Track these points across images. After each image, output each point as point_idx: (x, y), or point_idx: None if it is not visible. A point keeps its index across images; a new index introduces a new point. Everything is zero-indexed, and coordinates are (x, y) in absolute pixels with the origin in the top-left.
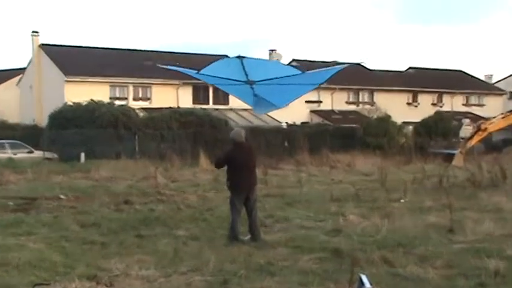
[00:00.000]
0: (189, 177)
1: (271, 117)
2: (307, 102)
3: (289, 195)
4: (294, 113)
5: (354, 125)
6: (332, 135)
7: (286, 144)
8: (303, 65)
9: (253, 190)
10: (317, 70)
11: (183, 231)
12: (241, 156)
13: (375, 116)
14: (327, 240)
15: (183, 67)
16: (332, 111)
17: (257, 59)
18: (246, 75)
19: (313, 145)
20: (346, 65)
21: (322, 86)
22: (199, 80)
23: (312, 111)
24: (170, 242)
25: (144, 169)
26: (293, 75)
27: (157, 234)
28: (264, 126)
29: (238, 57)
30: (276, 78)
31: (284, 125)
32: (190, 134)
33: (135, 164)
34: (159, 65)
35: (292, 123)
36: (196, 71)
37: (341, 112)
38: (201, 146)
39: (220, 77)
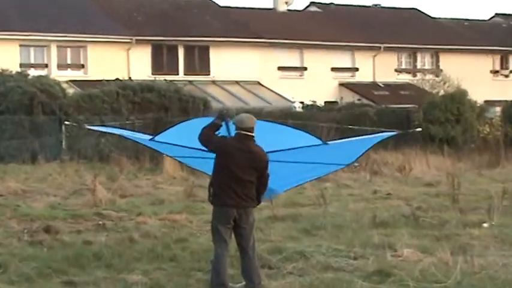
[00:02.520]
0: (148, 190)
1: (278, 94)
2: (334, 70)
3: (307, 217)
4: (314, 86)
5: (409, 106)
6: (374, 123)
7: None
8: (326, 11)
9: (247, 211)
10: (347, 140)
11: (138, 276)
12: (236, 158)
13: (442, 92)
14: None
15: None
16: (374, 84)
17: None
18: None
19: (344, 138)
20: (394, 133)
21: (357, 43)
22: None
23: (343, 85)
24: None
25: (76, 178)
26: (307, 146)
27: (98, 282)
28: (266, 109)
29: (221, 116)
30: (280, 151)
31: (297, 107)
32: (148, 121)
33: (62, 169)
34: (87, 126)
35: (310, 103)
36: (150, 137)
37: (388, 85)
38: None
39: (189, 147)
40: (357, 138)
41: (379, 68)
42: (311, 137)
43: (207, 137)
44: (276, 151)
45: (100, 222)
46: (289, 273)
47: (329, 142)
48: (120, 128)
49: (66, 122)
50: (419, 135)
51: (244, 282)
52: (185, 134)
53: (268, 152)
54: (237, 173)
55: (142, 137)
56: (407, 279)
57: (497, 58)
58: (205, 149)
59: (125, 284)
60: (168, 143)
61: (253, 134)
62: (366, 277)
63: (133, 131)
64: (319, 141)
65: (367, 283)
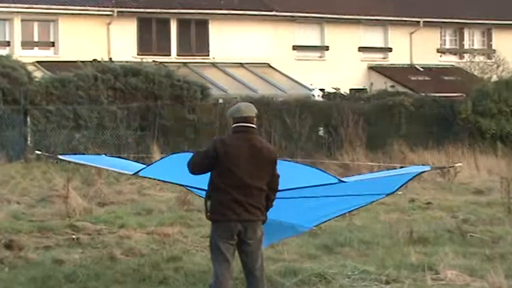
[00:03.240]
0: (132, 197)
1: (293, 80)
2: (362, 50)
3: (328, 231)
4: (337, 70)
5: (454, 95)
6: (411, 115)
7: (321, 131)
8: None
9: (253, 225)
10: (369, 175)
11: None
12: (238, 158)
13: (494, 78)
14: None
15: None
16: (411, 68)
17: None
18: None
19: (375, 134)
20: (427, 168)
21: (391, 17)
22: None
23: (373, 68)
24: None
25: (45, 182)
26: (322, 185)
27: None
28: (278, 99)
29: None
30: (291, 189)
31: (317, 95)
32: (133, 112)
33: (27, 171)
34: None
35: (333, 90)
36: (133, 172)
37: (428, 69)
38: (155, 136)
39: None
40: (376, 176)
41: (418, 48)
42: (325, 174)
43: (196, 160)
44: (287, 190)
45: (74, 237)
46: None
47: (345, 179)
48: (98, 155)
49: (37, 152)
50: (468, 131)
51: None
52: (172, 168)
53: (283, 190)
54: (241, 177)
55: (128, 168)
56: None
57: None
58: (196, 186)
59: None
60: (153, 178)
61: (254, 126)
62: None
63: (119, 157)
64: (334, 179)
65: None
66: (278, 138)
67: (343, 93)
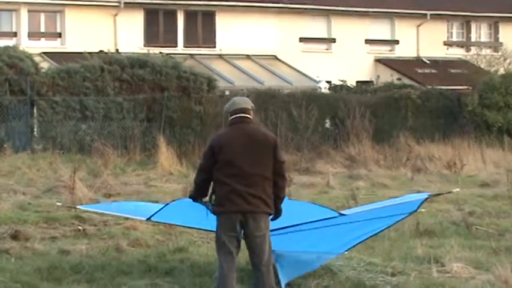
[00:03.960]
0: (139, 188)
1: (299, 72)
2: (369, 42)
3: None
4: (344, 62)
5: (461, 87)
6: (418, 109)
7: (327, 123)
8: None
9: (256, 217)
10: (370, 206)
11: None
12: (235, 147)
13: (501, 71)
14: None
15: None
16: (418, 61)
17: None
18: None
19: (381, 126)
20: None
21: (398, 9)
22: None
23: (380, 61)
24: None
25: (51, 172)
26: (325, 219)
27: None
28: (285, 90)
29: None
30: (294, 226)
31: (323, 87)
32: (139, 103)
33: (33, 162)
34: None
35: (339, 83)
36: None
37: (435, 62)
38: (162, 128)
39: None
40: (383, 203)
41: (425, 40)
42: (324, 209)
43: (201, 171)
44: (288, 227)
45: (80, 228)
46: None
47: (346, 212)
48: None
49: (58, 203)
50: (475, 124)
51: None
52: (183, 211)
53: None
54: (239, 166)
55: (142, 213)
56: None
57: None
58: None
59: None
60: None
61: (249, 116)
62: None
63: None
64: (334, 213)
65: None
66: (284, 130)
67: (349, 85)
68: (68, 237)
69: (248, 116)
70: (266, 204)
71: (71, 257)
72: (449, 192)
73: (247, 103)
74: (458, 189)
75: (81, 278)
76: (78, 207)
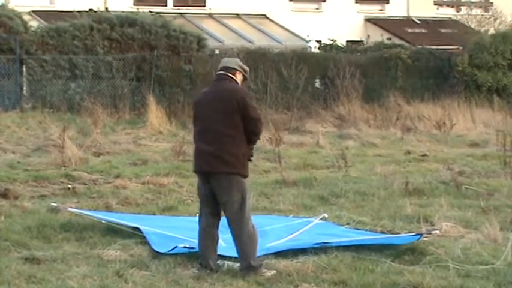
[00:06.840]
0: (128, 147)
1: (289, 31)
2: (359, 1)
3: (324, 182)
4: (334, 22)
5: (451, 47)
6: (408, 69)
7: (317, 83)
8: None
9: (218, 178)
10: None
11: (115, 251)
12: (203, 104)
13: (492, 31)
14: (398, 270)
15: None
16: (408, 20)
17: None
18: None
19: (371, 86)
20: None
21: None
22: None
23: (370, 20)
24: (91, 272)
25: (40, 131)
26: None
27: (66, 258)
28: (275, 49)
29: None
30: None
31: (313, 47)
32: (129, 62)
33: (23, 120)
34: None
35: (330, 42)
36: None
37: (425, 22)
38: (151, 87)
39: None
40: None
41: (415, 0)
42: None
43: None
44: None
45: (69, 186)
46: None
47: (330, 241)
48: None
49: (53, 204)
50: (464, 84)
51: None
52: (173, 226)
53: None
54: (205, 123)
55: (132, 222)
56: (446, 259)
57: None
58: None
59: (100, 261)
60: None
61: (228, 73)
62: (396, 256)
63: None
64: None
65: (397, 264)
66: (274, 90)
67: (339, 45)
68: (58, 196)
69: (228, 74)
70: (226, 164)
71: (60, 215)
72: (429, 233)
73: (233, 63)
74: (437, 232)
75: (71, 236)
76: (68, 209)
